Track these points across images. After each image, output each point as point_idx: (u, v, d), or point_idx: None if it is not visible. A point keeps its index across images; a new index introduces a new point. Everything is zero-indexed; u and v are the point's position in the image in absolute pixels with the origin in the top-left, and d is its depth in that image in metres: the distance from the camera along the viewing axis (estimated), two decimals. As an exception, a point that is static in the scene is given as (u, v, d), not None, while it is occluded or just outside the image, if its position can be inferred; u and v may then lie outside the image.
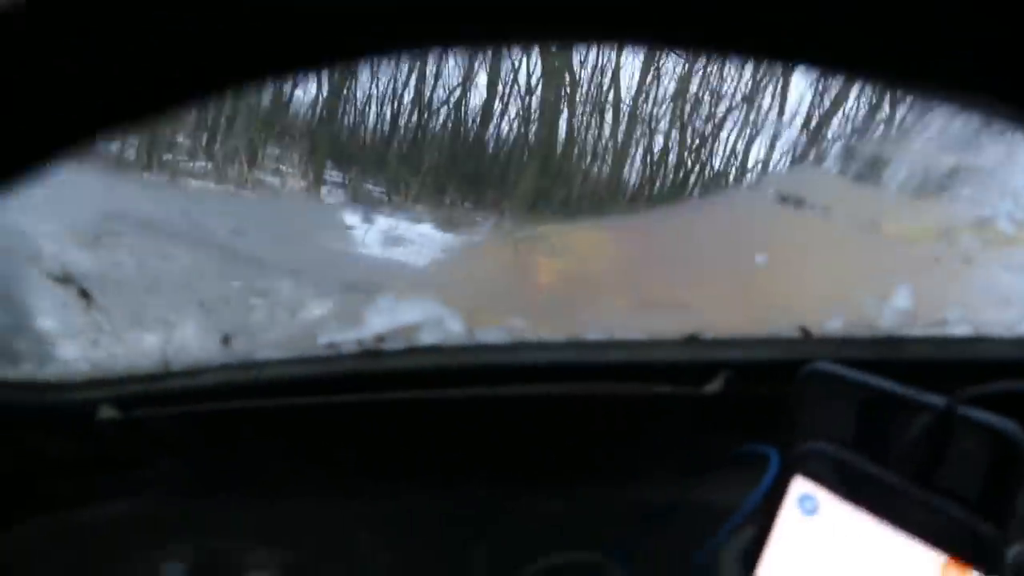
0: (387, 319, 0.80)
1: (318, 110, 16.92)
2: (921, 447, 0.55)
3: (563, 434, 0.74)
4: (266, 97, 15.29)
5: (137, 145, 12.06)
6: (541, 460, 0.74)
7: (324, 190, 13.27)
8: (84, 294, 0.85)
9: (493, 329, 0.80)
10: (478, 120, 16.96)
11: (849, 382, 0.60)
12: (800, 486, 0.59)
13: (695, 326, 0.77)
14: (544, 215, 11.79)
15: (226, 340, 0.82)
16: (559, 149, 13.49)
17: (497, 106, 17.07)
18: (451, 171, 14.75)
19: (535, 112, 14.59)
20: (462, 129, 17.15)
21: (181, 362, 0.78)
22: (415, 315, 0.80)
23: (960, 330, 0.78)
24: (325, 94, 16.15)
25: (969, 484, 0.53)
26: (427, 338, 0.77)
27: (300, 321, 0.90)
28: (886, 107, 14.25)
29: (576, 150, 14.23)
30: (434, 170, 14.45)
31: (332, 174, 15.91)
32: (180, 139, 13.60)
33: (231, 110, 13.55)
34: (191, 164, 11.82)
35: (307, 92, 16.75)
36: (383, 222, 9.43)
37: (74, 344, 0.83)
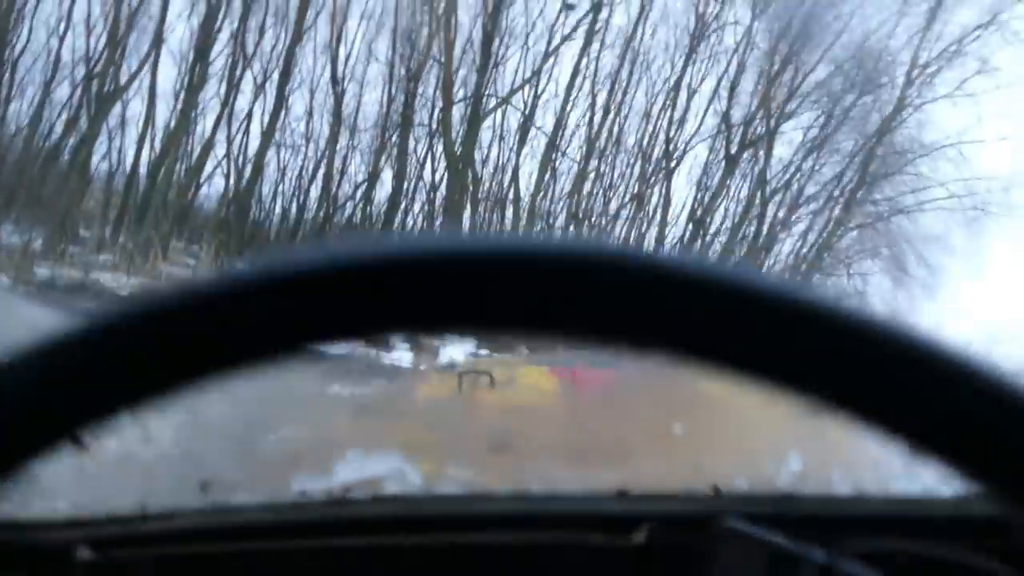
0: (354, 471, 0.87)
1: (227, 205, 17.13)
2: None
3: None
4: (173, 193, 15.45)
5: (43, 239, 11.98)
6: None
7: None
8: (78, 442, 1.07)
9: (448, 480, 0.89)
10: (384, 215, 17.55)
11: (753, 540, 0.71)
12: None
13: (624, 479, 0.87)
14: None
15: (204, 487, 0.85)
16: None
17: (403, 201, 17.77)
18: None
19: (439, 207, 15.60)
20: (368, 223, 17.68)
21: (159, 505, 0.81)
22: (380, 468, 0.88)
23: (843, 488, 0.91)
24: (233, 190, 16.43)
25: None
26: (390, 488, 0.86)
27: (274, 470, 0.97)
28: (757, 204, 15.76)
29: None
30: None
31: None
32: (85, 233, 13.52)
33: (139, 205, 13.58)
34: (99, 257, 11.77)
35: (213, 188, 16.99)
36: None
37: (56, 486, 0.82)
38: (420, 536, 0.80)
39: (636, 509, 0.84)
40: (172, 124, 13.45)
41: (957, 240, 14.73)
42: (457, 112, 14.12)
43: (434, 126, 13.92)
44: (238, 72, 14.63)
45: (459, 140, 13.64)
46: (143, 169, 14.07)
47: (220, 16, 13.28)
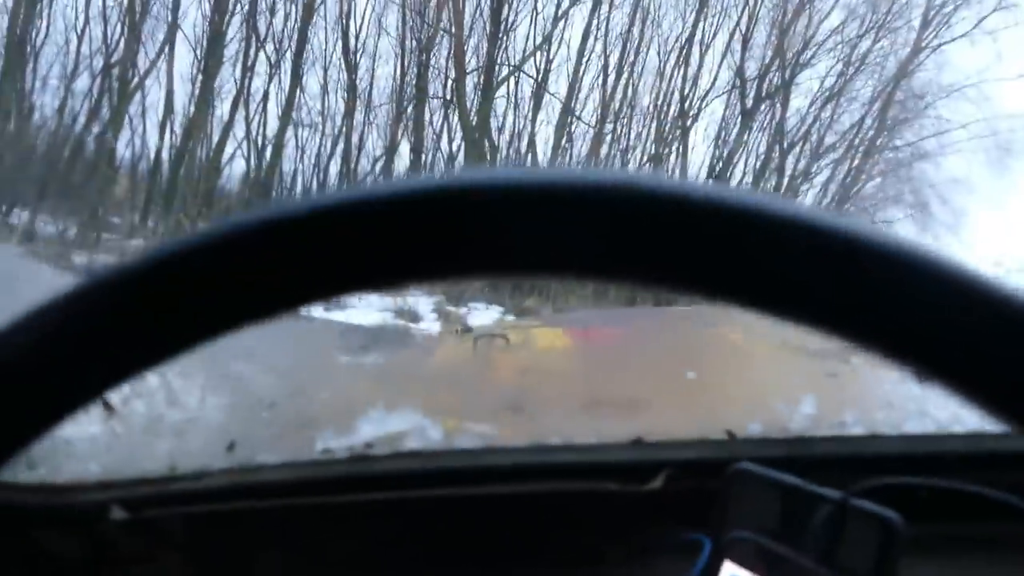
0: (376, 428, 0.88)
1: (250, 183, 17.36)
2: (824, 534, 0.68)
3: (529, 526, 0.83)
4: (198, 176, 15.69)
5: (77, 227, 12.32)
6: (511, 549, 0.83)
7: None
8: (107, 406, 0.89)
9: (466, 436, 0.89)
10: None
11: (766, 481, 0.72)
12: (729, 569, 0.72)
13: (640, 429, 0.88)
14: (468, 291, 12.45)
15: (231, 447, 0.87)
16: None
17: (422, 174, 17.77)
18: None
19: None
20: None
21: (187, 466, 0.84)
22: (400, 424, 0.89)
23: (856, 430, 0.92)
24: (254, 168, 16.65)
25: (862, 563, 0.66)
26: (410, 444, 0.87)
27: (298, 431, 0.97)
28: (776, 157, 15.63)
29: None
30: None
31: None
32: (116, 220, 13.85)
33: (166, 190, 13.84)
34: (131, 242, 12.06)
35: (236, 169, 17.23)
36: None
37: (89, 448, 0.85)
38: (440, 489, 0.83)
39: (651, 457, 0.85)
40: (191, 109, 13.66)
41: (981, 180, 14.59)
42: (471, 82, 14.20)
43: (448, 97, 13.99)
44: (252, 53, 14.82)
45: (474, 109, 13.71)
46: (166, 155, 14.37)
47: (230, -2, 13.40)
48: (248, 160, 16.34)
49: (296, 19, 14.43)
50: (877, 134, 14.97)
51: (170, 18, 13.58)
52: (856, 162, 15.60)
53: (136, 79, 13.75)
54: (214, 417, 1.01)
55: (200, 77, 13.87)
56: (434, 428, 0.89)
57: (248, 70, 14.93)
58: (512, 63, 13.45)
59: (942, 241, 15.86)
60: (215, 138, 15.24)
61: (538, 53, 14.05)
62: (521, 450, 0.88)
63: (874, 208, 16.49)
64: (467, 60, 13.59)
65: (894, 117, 14.80)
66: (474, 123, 13.32)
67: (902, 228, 16.37)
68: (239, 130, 15.97)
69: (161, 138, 14.35)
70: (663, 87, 15.89)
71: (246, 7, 14.22)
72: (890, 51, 14.56)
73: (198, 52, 14.32)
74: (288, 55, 14.77)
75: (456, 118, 14.56)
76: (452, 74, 13.68)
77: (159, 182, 14.03)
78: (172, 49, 13.56)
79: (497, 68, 13.39)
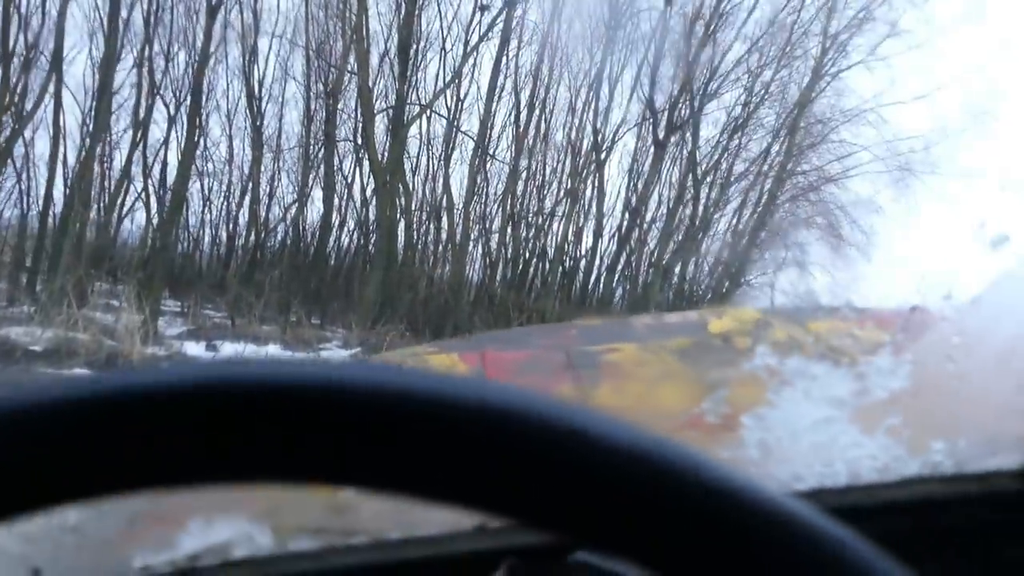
0: (199, 540, 0.83)
1: (150, 240, 16.50)
2: None
3: None
4: (90, 232, 14.73)
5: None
6: None
7: (162, 322, 12.81)
8: None
9: (303, 537, 0.85)
10: (317, 234, 17.11)
11: (603, 571, 0.68)
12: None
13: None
14: (392, 323, 12.00)
15: (36, 574, 0.83)
16: (400, 256, 14.09)
17: (335, 219, 17.33)
18: (293, 287, 14.78)
19: (372, 223, 15.27)
20: (301, 244, 17.22)
21: None
22: (226, 533, 0.84)
23: None
24: (156, 222, 15.80)
25: None
26: (239, 552, 0.82)
27: (113, 548, 0.91)
28: (690, 186, 15.82)
29: (417, 255, 14.73)
30: (276, 288, 14.40)
31: (169, 303, 15.36)
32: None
33: (52, 249, 12.85)
34: (12, 310, 11.08)
35: (136, 223, 16.32)
36: (228, 348, 9.22)
37: None
38: None
39: (494, 545, 0.81)
40: (80, 159, 12.78)
41: (886, 201, 15.04)
42: (382, 123, 13.83)
43: (357, 140, 13.55)
44: (147, 100, 14.07)
45: (385, 152, 13.30)
46: (55, 211, 13.39)
47: (119, 43, 12.65)
48: (148, 212, 15.51)
49: (192, 64, 13.78)
50: (785, 160, 15.29)
51: (52, 63, 12.70)
52: (766, 188, 15.89)
53: (15, 131, 12.76)
54: (13, 547, 0.88)
55: (90, 126, 13.01)
56: (263, 533, 0.83)
57: (144, 117, 14.17)
58: (422, 103, 13.10)
59: (854, 262, 16.28)
60: (111, 190, 14.41)
61: (448, 92, 13.80)
62: (359, 549, 0.83)
63: (786, 232, 16.83)
64: (376, 102, 13.22)
65: (799, 143, 15.16)
66: (384, 165, 12.87)
67: (814, 251, 16.75)
68: (140, 182, 15.21)
69: (49, 193, 13.39)
70: (575, 122, 15.92)
71: (136, 51, 13.52)
72: (791, 79, 14.98)
73: (87, 100, 13.53)
74: (188, 101, 14.10)
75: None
76: (361, 116, 13.24)
77: (46, 240, 13.03)
78: (58, 96, 12.67)
79: (407, 108, 13.02)
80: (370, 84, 12.40)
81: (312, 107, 14.34)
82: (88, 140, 12.84)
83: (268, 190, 16.54)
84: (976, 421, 1.10)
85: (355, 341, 10.93)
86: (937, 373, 1.20)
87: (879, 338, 1.66)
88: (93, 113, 12.99)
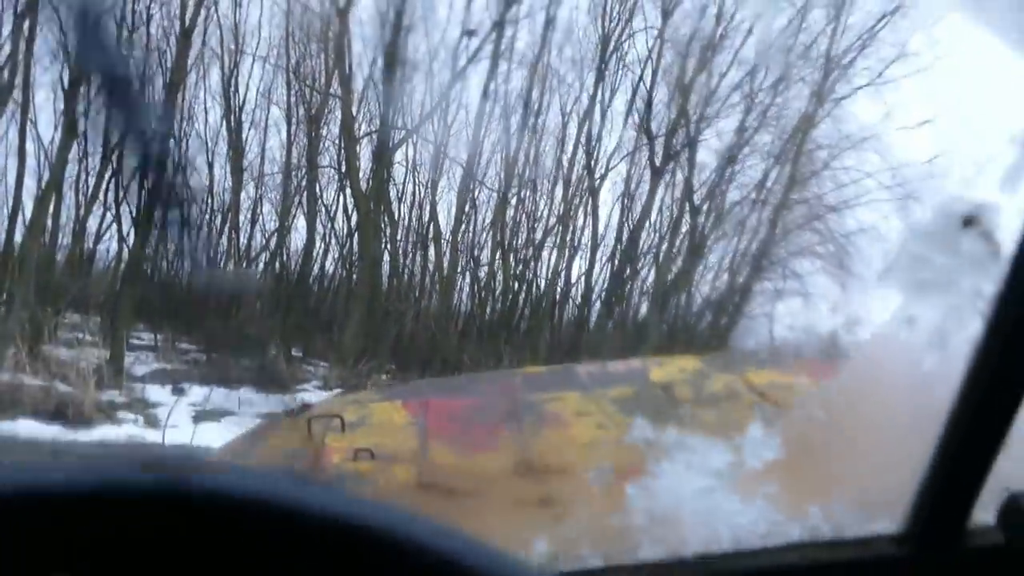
0: None
1: (122, 267, 15.75)
2: None
3: None
4: (61, 258, 13.96)
5: None
6: None
7: (132, 359, 11.99)
8: None
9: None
10: (299, 264, 16.37)
11: None
12: None
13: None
14: (376, 359, 11.26)
15: None
16: (385, 288, 13.42)
17: (319, 248, 16.61)
18: (275, 320, 14.03)
19: (355, 253, 14.42)
20: (284, 275, 16.46)
21: None
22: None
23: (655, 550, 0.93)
24: (129, 247, 15.02)
25: None
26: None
27: None
28: (687, 214, 15.24)
29: (403, 287, 14.02)
30: (256, 320, 13.66)
31: (144, 337, 14.55)
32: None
33: (10, 283, 12.05)
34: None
35: (110, 248, 15.56)
36: (196, 393, 8.38)
37: None
38: None
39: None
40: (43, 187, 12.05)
41: (890, 230, 14.49)
42: (368, 149, 13.21)
43: (339, 166, 12.91)
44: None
45: (370, 178, 12.64)
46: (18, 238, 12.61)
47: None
48: (121, 241, 14.75)
49: (165, 83, 13.12)
50: (787, 187, 14.73)
51: (22, 85, 12.03)
52: (766, 216, 15.32)
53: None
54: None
55: (56, 148, 12.29)
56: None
57: (116, 144, 13.46)
58: (408, 127, 12.48)
59: (855, 291, 15.68)
60: (81, 216, 13.69)
61: (435, 116, 13.18)
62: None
63: (786, 262, 16.26)
64: (359, 127, 12.60)
65: (801, 170, 14.62)
66: (367, 192, 12.21)
67: (816, 281, 16.17)
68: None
69: (12, 223, 12.63)
70: (567, 148, 15.36)
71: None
72: (792, 105, 14.48)
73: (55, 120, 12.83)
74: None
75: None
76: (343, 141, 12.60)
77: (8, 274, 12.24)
78: (24, 116, 11.98)
79: (392, 134, 12.40)
80: (353, 109, 11.77)
81: (293, 132, 13.71)
82: (53, 167, 12.11)
83: (251, 216, 15.82)
84: (853, 484, 1.09)
85: (335, 380, 10.19)
86: (815, 435, 1.21)
87: (810, 388, 1.68)
88: (59, 131, 12.28)
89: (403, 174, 14.28)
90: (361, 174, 13.08)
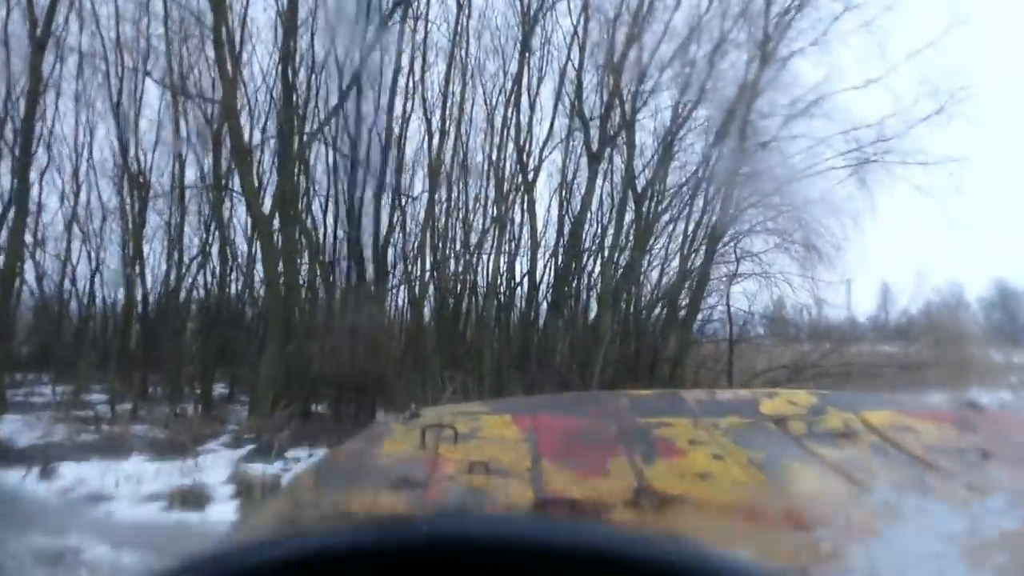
0: None
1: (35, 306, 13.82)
2: None
3: None
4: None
5: None
6: None
7: (15, 422, 10.26)
8: None
9: None
10: (213, 300, 14.56)
11: None
12: None
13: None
14: (297, 402, 9.71)
15: None
16: (302, 318, 11.67)
17: (230, 274, 14.94)
18: (186, 366, 12.37)
19: (259, 284, 12.42)
20: (209, 299, 14.70)
21: None
22: None
23: None
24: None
25: None
26: None
27: None
28: (631, 201, 14.08)
29: (323, 314, 12.43)
30: (164, 366, 11.94)
31: (45, 392, 12.79)
32: None
33: None
34: None
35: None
36: (68, 471, 6.75)
37: None
38: None
39: None
40: None
41: (848, 196, 13.60)
42: (267, 159, 11.67)
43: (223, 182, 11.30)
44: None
45: (273, 194, 11.09)
46: None
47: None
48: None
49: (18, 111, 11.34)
50: (734, 163, 13.66)
51: None
52: (719, 194, 14.25)
53: None
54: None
55: None
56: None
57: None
58: (310, 131, 10.93)
59: (816, 265, 14.83)
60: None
61: (342, 119, 11.64)
62: None
63: (739, 240, 15.27)
64: (252, 135, 11.04)
65: (747, 143, 13.56)
66: (268, 211, 10.65)
67: (772, 257, 15.23)
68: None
69: None
70: (496, 141, 14.05)
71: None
72: (731, 74, 13.40)
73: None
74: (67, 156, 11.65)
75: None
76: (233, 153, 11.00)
77: None
78: None
79: (295, 140, 10.85)
80: (240, 118, 10.19)
81: (183, 149, 12.08)
82: None
83: (176, 237, 14.04)
84: None
85: (247, 435, 8.67)
86: None
87: (941, 435, 1.91)
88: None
89: (306, 184, 12.73)
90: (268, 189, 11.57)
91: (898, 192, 15.30)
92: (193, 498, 6.28)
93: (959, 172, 12.86)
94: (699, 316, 15.43)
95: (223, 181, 12.31)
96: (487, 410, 2.26)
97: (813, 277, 14.83)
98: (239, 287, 14.31)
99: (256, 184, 11.72)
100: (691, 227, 14.77)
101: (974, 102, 12.57)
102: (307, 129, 11.47)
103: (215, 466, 7.28)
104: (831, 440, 1.93)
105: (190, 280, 14.35)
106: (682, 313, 14.98)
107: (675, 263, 15.21)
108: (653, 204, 14.44)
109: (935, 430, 2.01)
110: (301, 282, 11.31)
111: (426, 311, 14.22)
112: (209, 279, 14.28)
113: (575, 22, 13.62)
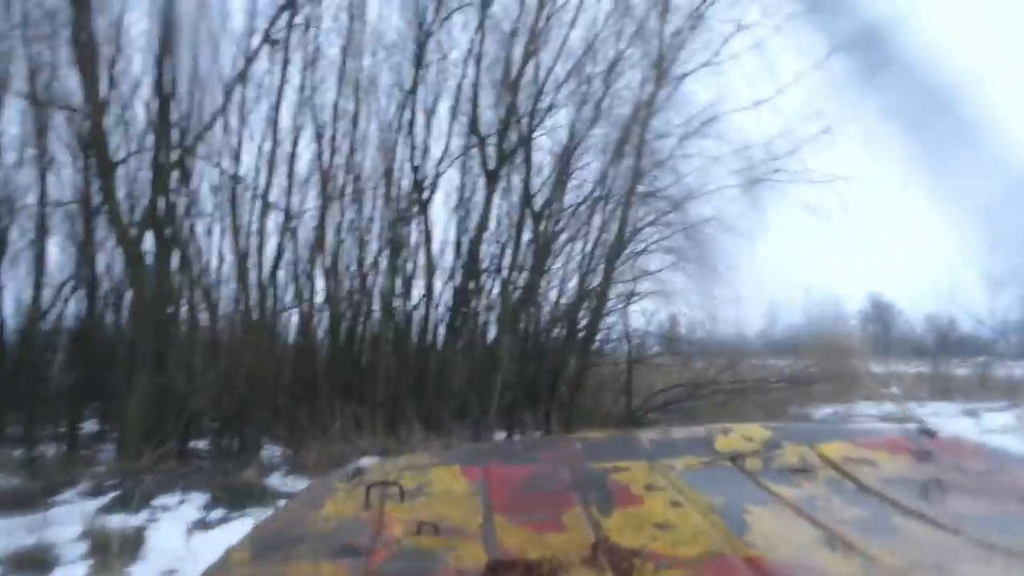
0: None
1: None
2: None
3: None
4: None
5: None
6: None
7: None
8: None
9: None
10: (82, 323, 13.36)
11: None
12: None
13: None
14: (168, 441, 8.79)
15: None
16: (177, 348, 10.76)
17: (101, 302, 13.76)
18: (46, 402, 11.19)
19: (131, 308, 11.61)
20: (81, 335, 13.45)
21: None
22: None
23: None
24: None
25: None
26: None
27: None
28: (529, 220, 13.84)
29: (200, 345, 11.55)
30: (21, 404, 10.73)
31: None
32: None
33: None
34: None
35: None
36: None
37: None
38: None
39: None
40: None
41: (742, 213, 13.81)
42: (136, 176, 10.72)
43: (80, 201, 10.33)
44: None
45: (143, 210, 10.19)
46: None
47: None
48: None
49: None
50: (630, 182, 13.65)
51: None
52: (611, 215, 14.20)
53: None
54: None
55: None
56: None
57: None
58: (184, 146, 10.11)
59: (711, 286, 15.00)
60: None
61: (219, 131, 10.87)
62: None
63: (636, 258, 15.28)
64: (117, 150, 10.13)
65: (643, 162, 13.58)
66: (134, 235, 9.76)
67: (670, 276, 15.31)
68: None
69: None
70: (390, 159, 13.53)
71: None
72: (625, 94, 13.41)
73: None
74: None
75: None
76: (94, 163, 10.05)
77: None
78: None
79: (167, 152, 10.00)
80: (102, 126, 9.29)
81: (42, 160, 10.96)
82: None
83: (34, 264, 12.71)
84: None
85: (110, 481, 7.77)
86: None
87: (896, 466, 1.89)
88: None
89: (197, 206, 11.84)
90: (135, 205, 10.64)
91: (789, 211, 15.69)
92: (37, 561, 5.44)
93: (846, 191, 13.22)
94: (598, 336, 15.33)
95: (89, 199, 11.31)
96: (435, 461, 2.16)
97: (708, 295, 15.00)
98: (112, 314, 13.20)
99: (130, 203, 10.84)
100: (589, 246, 14.67)
101: (861, 122, 12.99)
102: (185, 143, 10.64)
103: (68, 520, 6.41)
104: (788, 477, 1.89)
105: (60, 308, 13.13)
106: (581, 334, 14.83)
107: (574, 283, 15.08)
108: (551, 223, 14.25)
109: (890, 461, 2.01)
110: (174, 308, 10.37)
111: (318, 336, 13.52)
112: (81, 307, 13.10)
113: (471, 37, 13.33)
